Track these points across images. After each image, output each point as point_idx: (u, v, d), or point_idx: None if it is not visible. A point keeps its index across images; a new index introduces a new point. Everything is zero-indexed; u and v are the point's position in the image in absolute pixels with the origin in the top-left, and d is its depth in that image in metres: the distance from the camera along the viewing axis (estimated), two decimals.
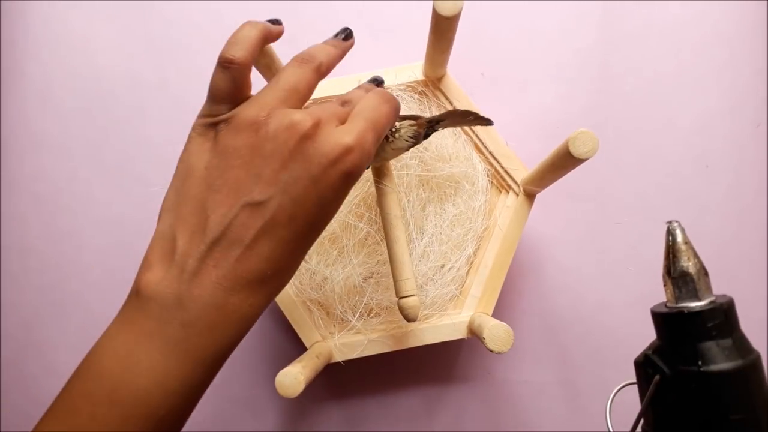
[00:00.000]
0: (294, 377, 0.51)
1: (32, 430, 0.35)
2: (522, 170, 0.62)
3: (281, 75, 0.40)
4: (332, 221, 0.62)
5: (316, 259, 0.63)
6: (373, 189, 0.62)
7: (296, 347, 0.71)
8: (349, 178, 0.36)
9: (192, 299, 0.35)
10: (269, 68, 0.53)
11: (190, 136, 0.40)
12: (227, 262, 0.35)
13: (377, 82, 0.45)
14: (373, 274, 0.63)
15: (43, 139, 0.73)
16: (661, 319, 0.36)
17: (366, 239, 0.63)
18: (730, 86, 0.72)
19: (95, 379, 0.35)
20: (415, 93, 0.63)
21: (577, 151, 0.46)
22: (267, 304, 0.38)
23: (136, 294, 0.36)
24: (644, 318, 0.69)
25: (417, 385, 0.71)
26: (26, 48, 0.74)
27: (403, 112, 0.62)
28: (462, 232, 0.63)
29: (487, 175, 0.64)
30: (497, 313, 0.64)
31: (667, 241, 0.36)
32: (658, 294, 0.70)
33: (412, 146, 0.53)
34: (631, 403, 0.39)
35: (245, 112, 0.38)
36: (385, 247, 0.57)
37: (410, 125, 0.52)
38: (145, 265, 0.37)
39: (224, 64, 0.41)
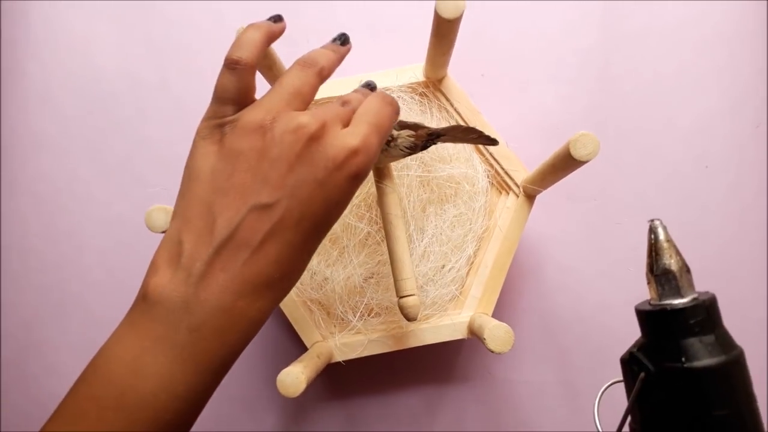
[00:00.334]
0: (295, 377, 0.51)
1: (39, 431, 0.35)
2: (522, 171, 0.62)
3: (285, 78, 0.40)
4: None
5: (317, 260, 0.63)
6: (373, 189, 0.62)
7: (297, 347, 0.71)
8: (356, 181, 0.37)
9: (199, 303, 0.34)
10: (270, 69, 0.54)
11: (195, 140, 0.40)
12: (235, 265, 0.35)
13: (371, 87, 0.46)
14: (373, 274, 0.63)
15: (43, 140, 0.73)
16: (645, 316, 0.37)
17: (366, 239, 0.63)
18: (730, 86, 0.72)
19: (102, 383, 0.35)
20: (416, 94, 0.63)
21: (578, 153, 0.46)
22: (274, 308, 0.38)
23: (143, 298, 0.36)
24: None
25: (417, 385, 0.71)
26: (26, 48, 0.74)
27: (404, 114, 0.63)
28: (462, 232, 0.63)
29: (488, 176, 0.64)
30: (497, 314, 0.65)
31: (650, 239, 0.36)
32: None
33: (408, 155, 0.53)
34: (620, 401, 0.39)
35: (251, 115, 0.38)
36: (386, 248, 0.57)
37: (408, 136, 0.52)
38: (152, 268, 0.37)
39: (231, 65, 0.40)
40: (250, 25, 0.44)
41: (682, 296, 0.35)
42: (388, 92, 0.63)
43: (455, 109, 0.63)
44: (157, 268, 0.36)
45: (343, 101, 0.41)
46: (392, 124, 0.41)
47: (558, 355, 0.70)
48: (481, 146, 0.64)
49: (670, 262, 0.36)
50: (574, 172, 0.53)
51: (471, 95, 0.64)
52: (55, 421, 0.35)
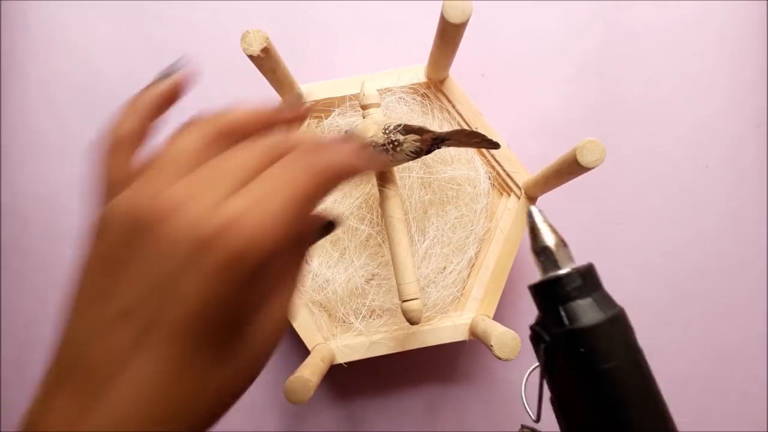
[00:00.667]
0: (303, 383, 0.50)
1: None
2: (523, 173, 0.62)
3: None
4: None
5: (317, 261, 0.63)
6: (374, 190, 0.62)
7: (297, 348, 0.71)
8: (231, 270, 0.24)
9: None
10: (275, 72, 0.53)
11: None
12: (89, 408, 0.25)
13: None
14: (374, 276, 0.63)
15: (43, 140, 0.73)
16: (533, 291, 0.39)
17: (368, 241, 0.63)
18: (730, 86, 0.72)
19: None
20: (418, 95, 0.63)
21: (584, 160, 0.47)
22: None
23: None
24: (644, 318, 0.70)
25: (418, 386, 0.71)
26: (26, 48, 0.74)
27: (406, 115, 0.63)
28: (464, 234, 0.63)
29: (489, 178, 0.64)
30: (498, 315, 0.65)
31: (529, 223, 0.40)
32: (658, 294, 0.70)
33: (413, 159, 0.54)
34: None
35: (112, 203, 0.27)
36: (387, 249, 0.57)
37: (414, 140, 0.52)
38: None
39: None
40: (133, 99, 0.35)
41: (560, 268, 0.38)
42: (388, 93, 0.63)
43: (457, 111, 0.63)
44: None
45: (253, 149, 0.28)
46: (341, 177, 0.29)
47: None
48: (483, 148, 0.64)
49: (546, 239, 0.39)
50: None
51: (471, 95, 0.64)
52: None
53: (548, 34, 0.73)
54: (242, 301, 0.26)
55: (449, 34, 0.50)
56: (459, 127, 0.63)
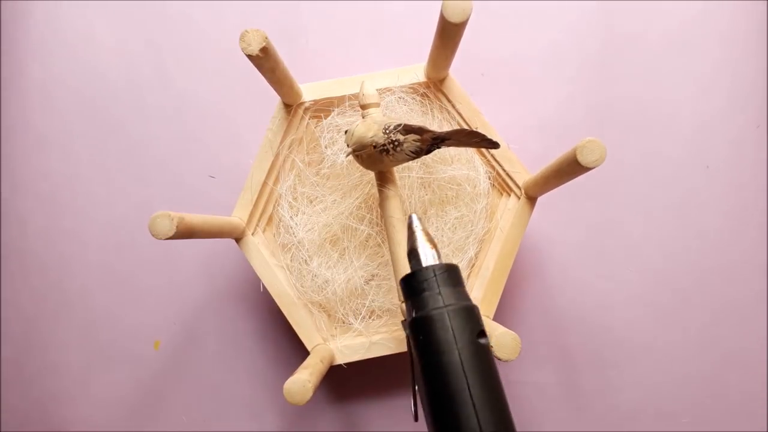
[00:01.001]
0: (302, 385, 0.50)
1: None
2: (524, 173, 0.62)
3: None
4: (333, 223, 0.62)
5: (317, 261, 0.63)
6: (373, 191, 0.62)
7: (296, 348, 0.71)
8: None
9: None
10: (273, 72, 0.53)
11: None
12: None
13: None
14: (374, 276, 0.63)
15: (43, 139, 0.73)
16: (401, 285, 0.42)
17: (367, 241, 0.63)
18: (730, 86, 0.72)
19: None
20: (417, 95, 0.63)
21: (585, 159, 0.46)
22: None
23: None
24: (644, 317, 0.70)
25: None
26: (26, 48, 0.74)
27: (406, 115, 0.63)
28: (464, 234, 0.63)
29: (489, 178, 0.64)
30: (498, 315, 0.65)
31: (407, 228, 0.44)
32: (658, 293, 0.70)
33: (413, 159, 0.53)
34: None
35: None
36: (387, 249, 0.57)
37: (414, 140, 0.52)
38: None
39: None
40: None
41: (421, 265, 0.41)
42: (388, 93, 0.63)
43: (456, 111, 0.62)
44: None
45: None
46: None
47: (559, 355, 0.71)
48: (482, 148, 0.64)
49: (416, 242, 0.43)
50: None
51: (471, 95, 0.64)
52: None
53: (549, 34, 0.72)
54: None
55: (449, 34, 0.50)
56: (459, 127, 0.63)
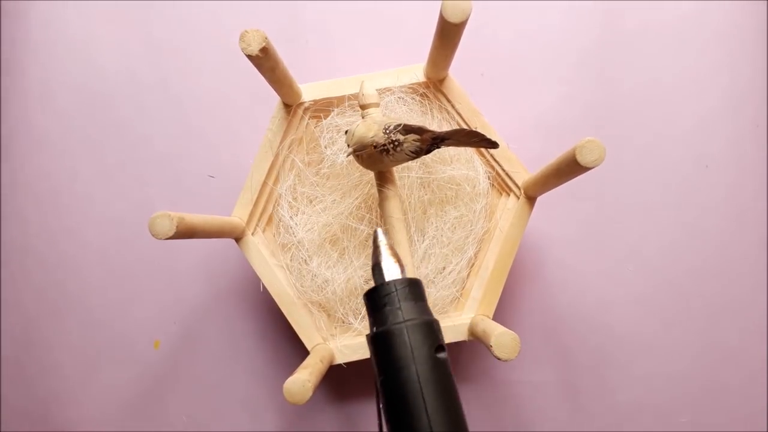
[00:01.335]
0: (302, 384, 0.50)
1: None
2: (523, 173, 0.62)
3: None
4: (333, 223, 0.62)
5: (317, 261, 0.63)
6: (373, 191, 0.62)
7: (296, 348, 0.71)
8: None
9: None
10: (273, 71, 0.53)
11: None
12: None
13: None
14: None
15: (43, 139, 0.73)
16: (365, 300, 0.42)
17: (367, 241, 0.63)
18: (730, 86, 0.72)
19: None
20: (417, 95, 0.63)
21: (584, 159, 0.46)
22: None
23: None
24: (644, 317, 0.70)
25: None
26: (26, 48, 0.74)
27: (406, 115, 0.63)
28: (463, 234, 0.63)
29: (488, 178, 0.64)
30: (498, 315, 0.65)
31: (372, 243, 0.44)
32: (658, 293, 0.70)
33: (413, 159, 0.54)
34: None
35: None
36: None
37: (414, 140, 0.52)
38: None
39: None
40: None
41: (384, 280, 0.41)
42: (388, 93, 0.63)
43: (456, 111, 0.62)
44: None
45: None
46: None
47: (558, 355, 0.71)
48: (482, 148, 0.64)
49: (379, 257, 0.43)
50: None
51: (470, 94, 0.64)
52: None
53: (548, 34, 0.73)
54: None
55: (448, 34, 0.50)
56: (458, 127, 0.63)
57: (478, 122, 0.62)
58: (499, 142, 0.54)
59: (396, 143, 0.51)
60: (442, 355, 0.38)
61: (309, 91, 0.62)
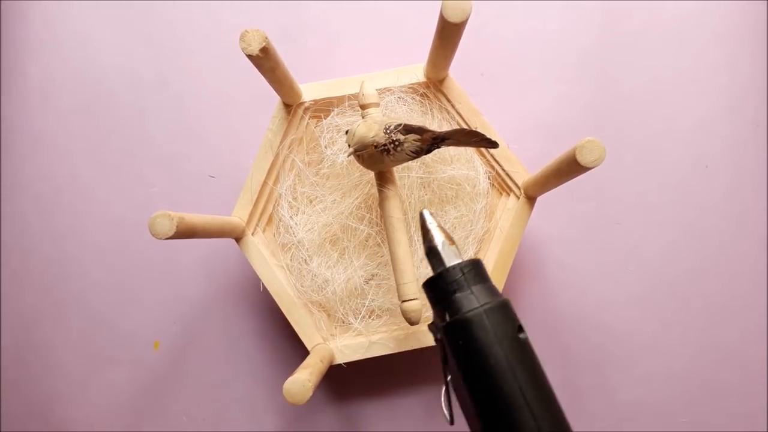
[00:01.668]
0: (302, 384, 0.50)
1: None
2: (523, 173, 0.62)
3: None
4: (333, 223, 0.62)
5: (317, 261, 0.63)
6: (373, 190, 0.62)
7: (296, 348, 0.71)
8: None
9: None
10: (273, 71, 0.53)
11: None
12: None
13: None
14: (374, 276, 0.63)
15: (43, 139, 0.73)
16: (425, 289, 0.41)
17: (367, 241, 0.63)
18: (730, 86, 0.72)
19: None
20: (417, 95, 0.63)
21: (584, 159, 0.46)
22: None
23: None
24: (644, 317, 0.70)
25: (418, 387, 0.71)
26: (26, 48, 0.74)
27: (406, 115, 0.63)
28: (463, 234, 0.63)
29: (488, 178, 0.64)
30: None
31: (420, 225, 0.43)
32: (658, 293, 0.70)
33: (413, 159, 0.54)
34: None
35: None
36: (386, 249, 0.57)
37: (414, 140, 0.52)
38: None
39: None
40: None
41: (445, 265, 0.40)
42: (388, 93, 0.63)
43: (456, 110, 0.62)
44: None
45: None
46: None
47: (559, 354, 0.71)
48: (482, 148, 0.64)
49: (434, 239, 0.41)
50: None
51: (470, 94, 0.64)
52: None
53: (547, 34, 0.73)
54: None
55: (448, 34, 0.50)
56: (458, 127, 0.63)
57: (478, 122, 0.62)
58: (499, 142, 0.54)
59: (396, 143, 0.51)
60: (523, 335, 0.36)
61: (309, 91, 0.62)
